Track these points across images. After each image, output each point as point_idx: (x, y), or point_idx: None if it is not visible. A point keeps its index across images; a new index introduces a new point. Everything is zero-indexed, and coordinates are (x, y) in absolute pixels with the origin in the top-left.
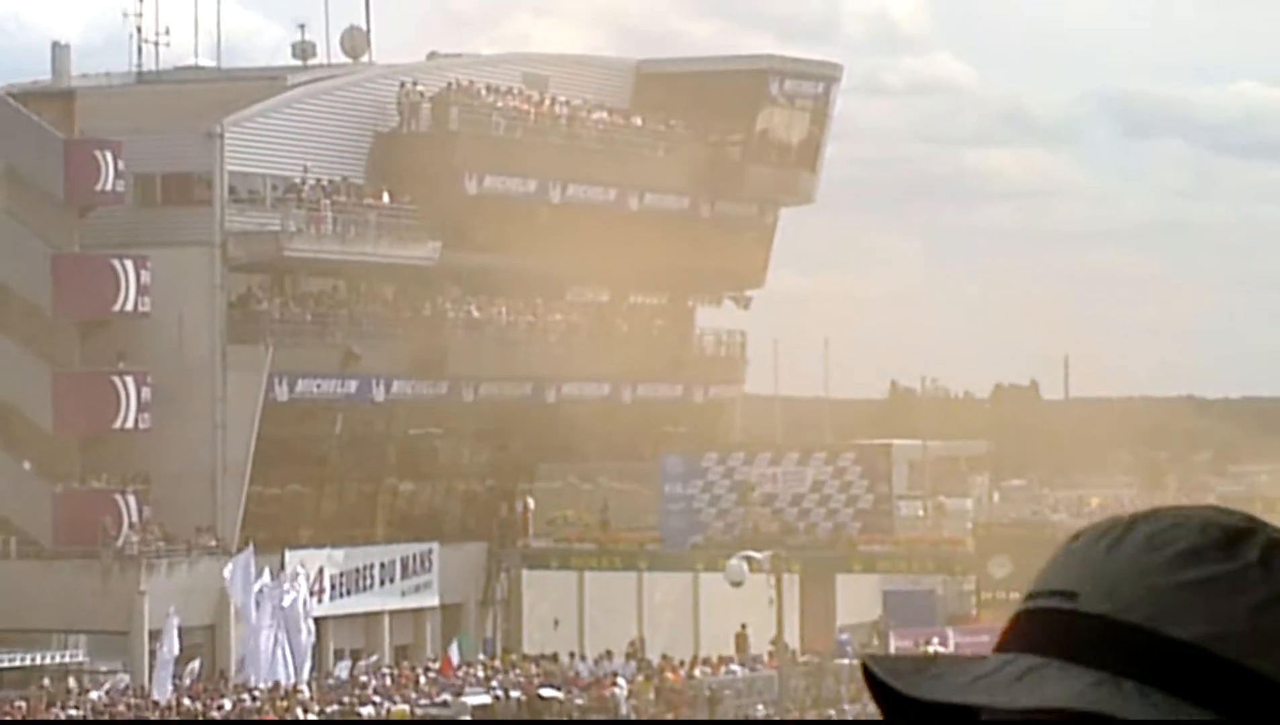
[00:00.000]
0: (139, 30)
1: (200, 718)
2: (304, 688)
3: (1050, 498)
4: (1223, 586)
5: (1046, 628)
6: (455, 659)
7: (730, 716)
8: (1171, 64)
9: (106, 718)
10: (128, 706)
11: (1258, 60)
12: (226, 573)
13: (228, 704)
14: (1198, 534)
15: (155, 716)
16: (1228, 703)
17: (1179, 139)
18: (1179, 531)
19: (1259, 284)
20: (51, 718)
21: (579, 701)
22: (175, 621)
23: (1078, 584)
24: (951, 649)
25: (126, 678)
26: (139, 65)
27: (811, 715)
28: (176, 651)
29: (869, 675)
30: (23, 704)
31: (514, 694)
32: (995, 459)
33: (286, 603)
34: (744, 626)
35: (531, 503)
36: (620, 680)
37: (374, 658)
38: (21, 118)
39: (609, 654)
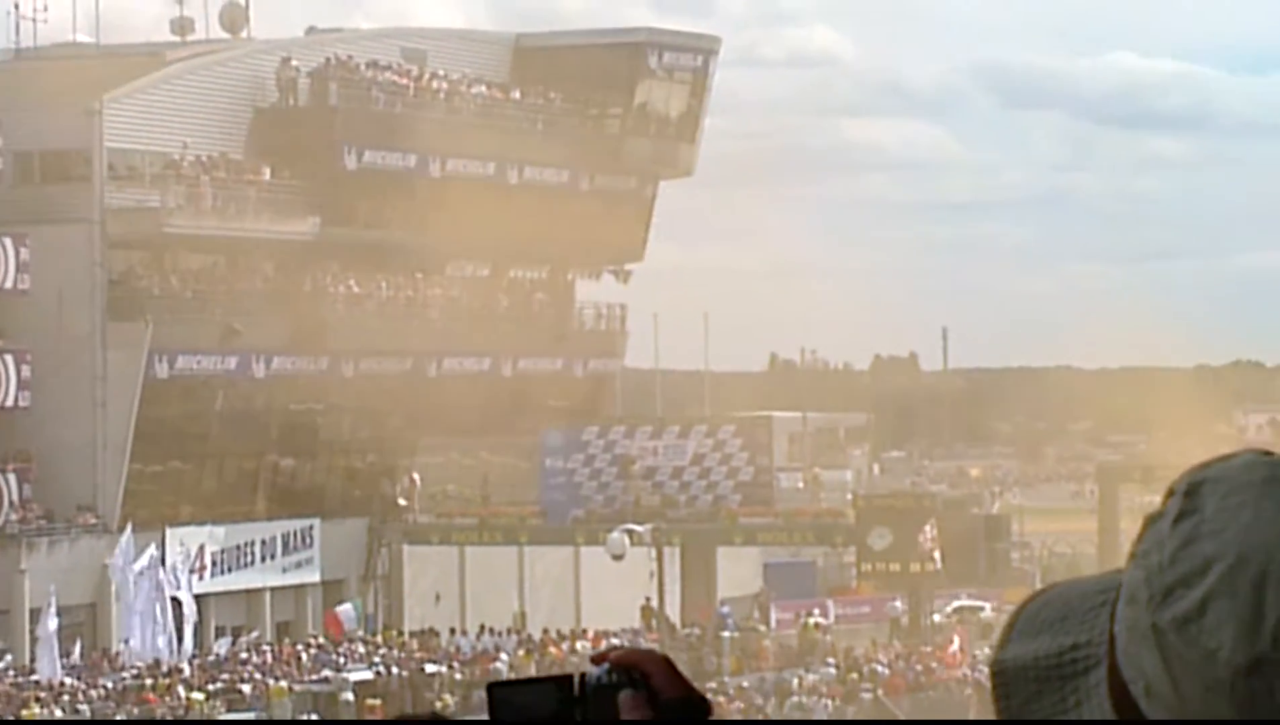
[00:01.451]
0: (16, 6)
1: (80, 695)
2: (185, 665)
3: (930, 469)
4: None
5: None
6: (346, 622)
7: None
8: (1049, 35)
9: None
10: (11, 685)
11: (1134, 32)
12: (114, 555)
13: (109, 683)
14: None
15: (39, 695)
16: None
17: (1057, 110)
18: None
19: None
20: None
21: (459, 677)
22: (53, 599)
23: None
24: (832, 620)
25: (9, 657)
26: (17, 42)
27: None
28: (53, 629)
29: None
30: None
31: (395, 670)
32: (875, 431)
33: (167, 580)
34: (648, 599)
35: (418, 477)
36: (502, 655)
37: (254, 634)
38: None
39: (491, 629)
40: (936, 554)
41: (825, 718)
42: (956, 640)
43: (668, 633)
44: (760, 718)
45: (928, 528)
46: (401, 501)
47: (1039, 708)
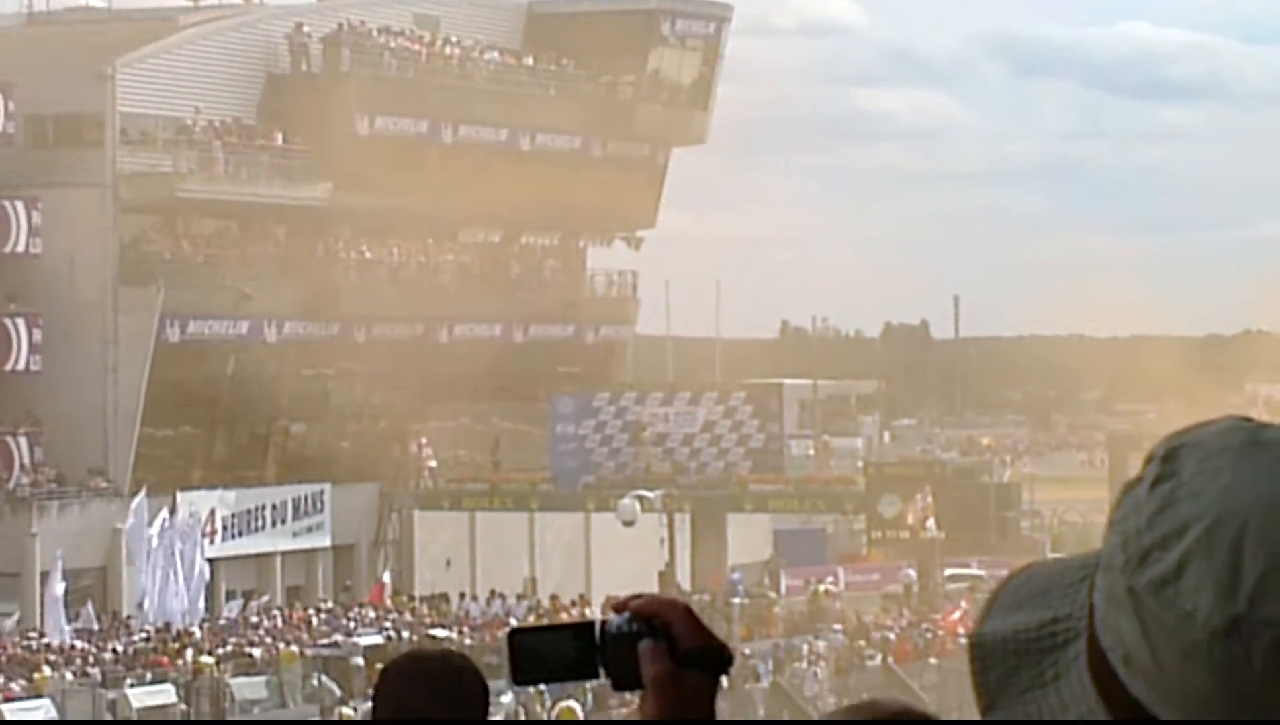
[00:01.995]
0: None
1: (91, 659)
2: (195, 629)
3: (940, 437)
4: None
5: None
6: (388, 585)
7: None
8: (1060, 5)
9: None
10: (23, 648)
11: (1145, 1)
12: (127, 519)
13: (119, 646)
14: None
15: (49, 658)
16: None
17: (1068, 79)
18: None
19: (1146, 224)
20: None
21: (469, 642)
22: (59, 563)
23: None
24: (842, 587)
25: (11, 620)
26: (29, 6)
27: None
28: (60, 592)
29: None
30: None
31: (405, 634)
32: (886, 398)
33: (179, 544)
34: (667, 565)
35: (426, 442)
36: (511, 620)
37: (265, 599)
38: None
39: (500, 595)
40: (931, 522)
41: (825, 686)
42: (963, 605)
43: (679, 599)
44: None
45: (920, 496)
46: (431, 463)
47: (1017, 681)
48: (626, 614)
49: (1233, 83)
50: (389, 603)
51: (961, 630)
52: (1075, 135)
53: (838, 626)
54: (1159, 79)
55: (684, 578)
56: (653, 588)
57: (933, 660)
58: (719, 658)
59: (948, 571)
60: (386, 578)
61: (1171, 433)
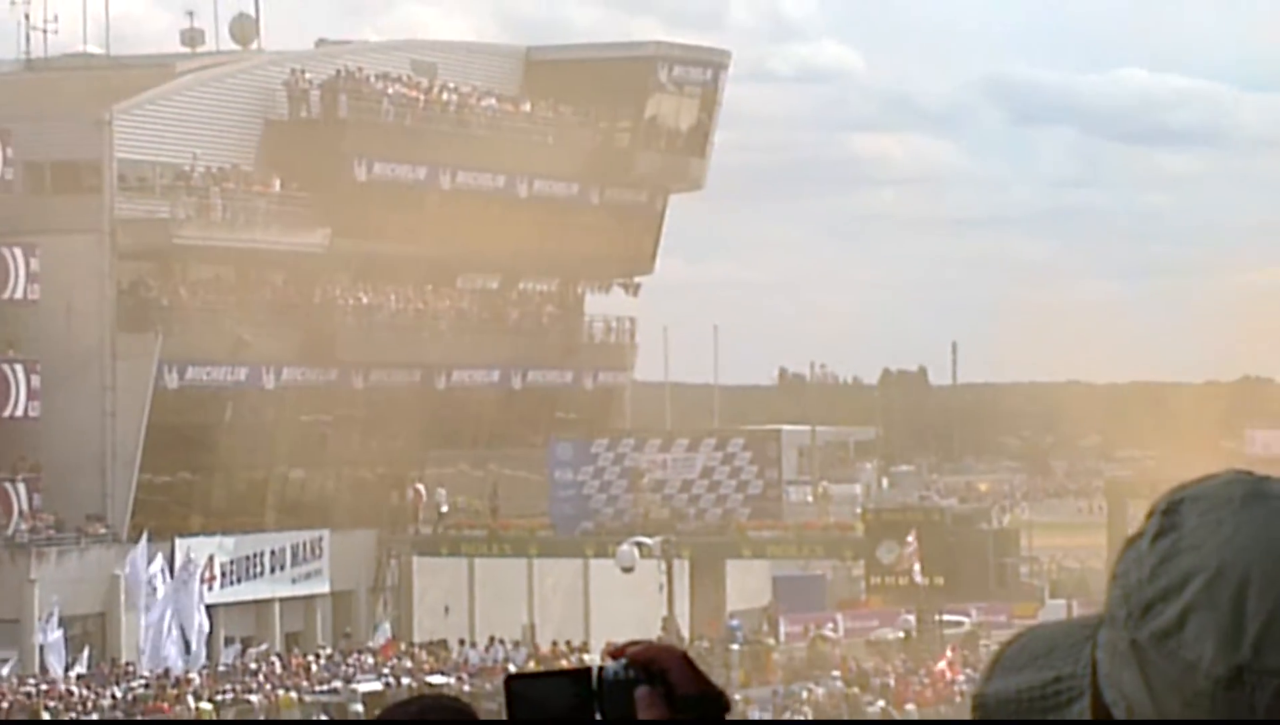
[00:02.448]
0: (27, 17)
1: (91, 705)
2: (194, 675)
3: (938, 483)
4: None
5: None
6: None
7: None
8: (1058, 51)
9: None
10: (25, 694)
11: (1143, 48)
12: (128, 565)
13: (118, 691)
14: None
15: (49, 703)
16: None
17: (1066, 126)
18: None
19: (1144, 269)
20: None
21: (468, 688)
22: (56, 610)
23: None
24: (841, 634)
25: (7, 666)
26: (27, 52)
27: None
28: (53, 638)
29: None
30: None
31: (404, 680)
32: (884, 444)
33: (178, 590)
34: (669, 612)
35: (423, 489)
36: (510, 667)
37: (264, 646)
38: None
39: (500, 641)
40: (916, 567)
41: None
42: (949, 653)
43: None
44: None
45: (909, 538)
46: (443, 508)
47: None
48: (623, 660)
49: (1231, 128)
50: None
51: (949, 675)
52: (1074, 182)
53: (836, 673)
54: (1157, 125)
55: (682, 624)
56: (653, 634)
57: (942, 709)
58: (715, 705)
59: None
60: (386, 630)
61: (1174, 487)
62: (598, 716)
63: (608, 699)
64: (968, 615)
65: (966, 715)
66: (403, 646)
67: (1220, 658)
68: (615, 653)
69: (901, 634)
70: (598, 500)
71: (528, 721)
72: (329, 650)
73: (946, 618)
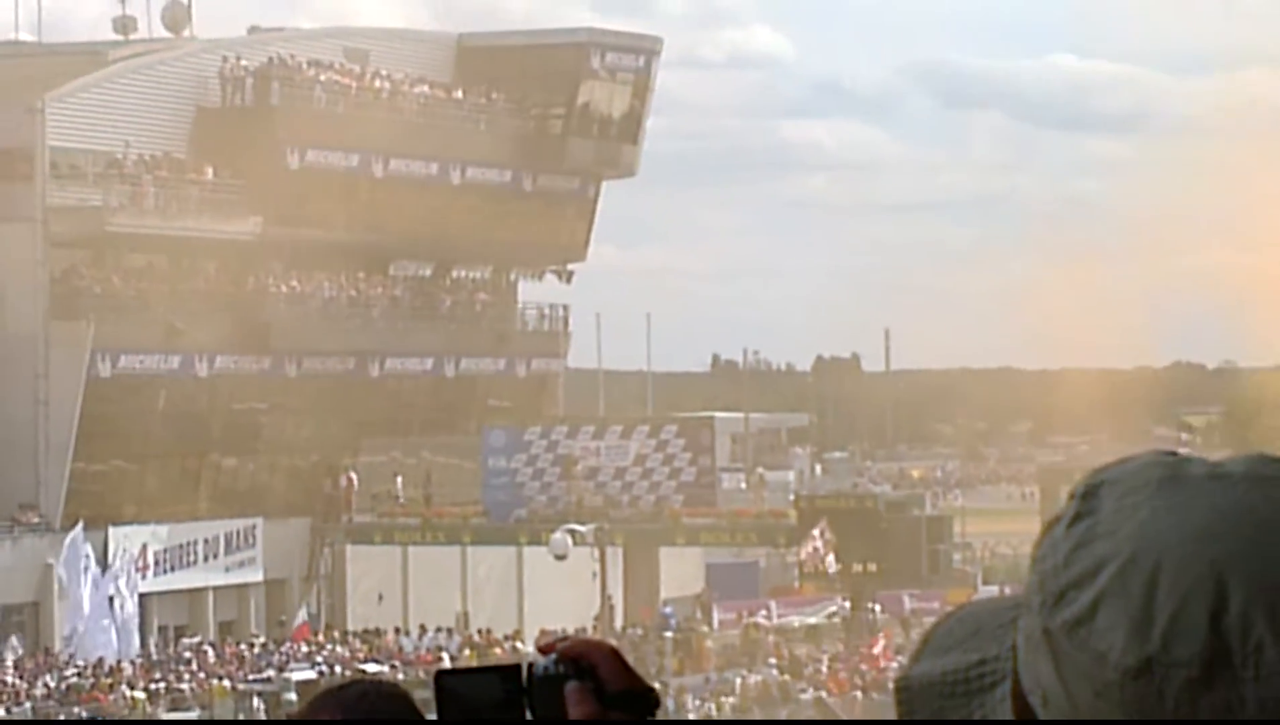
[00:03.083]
0: None
1: (23, 694)
2: (127, 665)
3: (872, 470)
4: None
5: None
6: (311, 626)
7: None
8: (989, 37)
9: None
10: None
11: (1074, 34)
12: (62, 554)
13: (51, 681)
14: None
15: None
16: None
17: (997, 111)
18: None
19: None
20: None
21: (402, 676)
22: None
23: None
24: (774, 621)
25: None
26: None
27: None
28: None
29: None
30: None
31: (338, 669)
32: (817, 431)
33: (111, 580)
34: (609, 597)
35: (355, 477)
36: (444, 654)
37: (196, 639)
38: None
39: (435, 628)
40: (830, 558)
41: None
42: (882, 640)
43: (610, 632)
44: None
45: (816, 531)
46: (400, 499)
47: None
48: (553, 656)
49: (1160, 115)
50: (321, 637)
51: (883, 663)
52: (1004, 167)
53: (773, 660)
54: (1087, 111)
55: (616, 611)
56: (587, 621)
57: (875, 695)
58: (645, 701)
59: (832, 606)
60: (303, 615)
61: (1094, 469)
62: (527, 712)
63: (537, 695)
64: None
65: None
66: (336, 633)
67: (1130, 648)
68: (545, 648)
69: (826, 620)
70: (531, 488)
71: (457, 717)
72: (262, 639)
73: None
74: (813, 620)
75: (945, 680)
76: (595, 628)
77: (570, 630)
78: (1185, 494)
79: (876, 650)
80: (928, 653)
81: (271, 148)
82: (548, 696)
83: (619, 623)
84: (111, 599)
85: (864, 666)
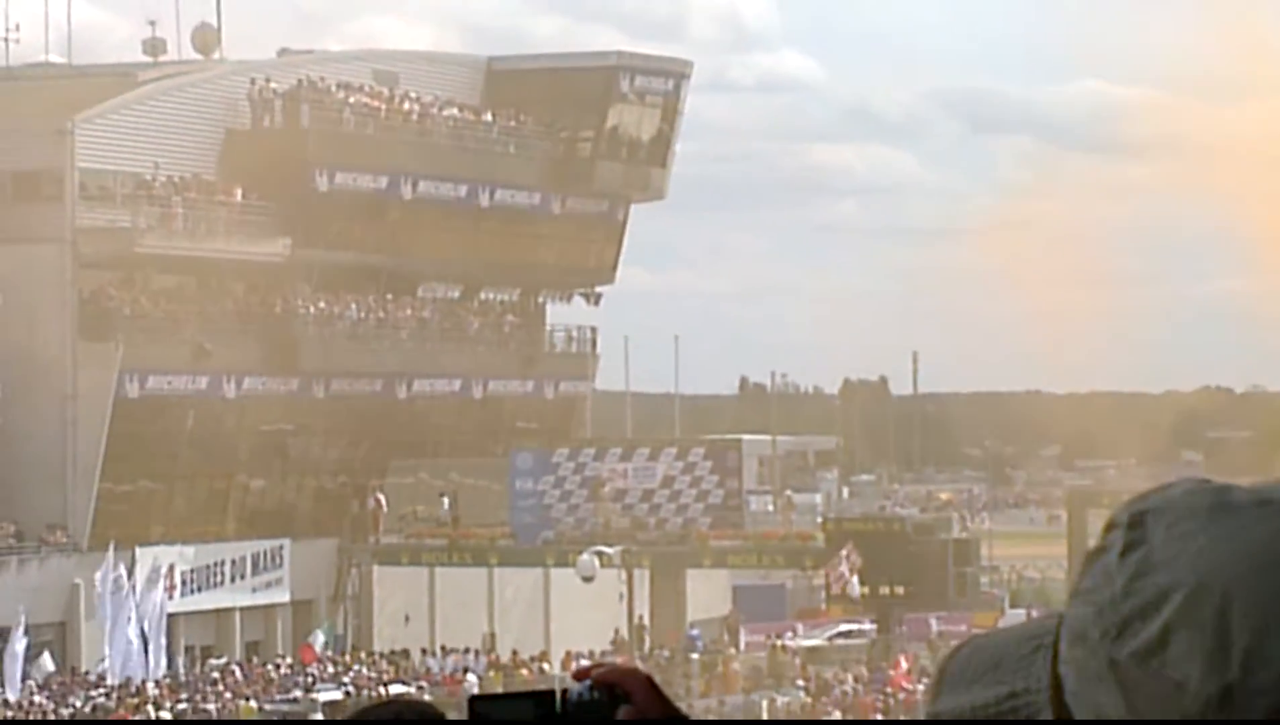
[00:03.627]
0: None
1: (51, 715)
2: (156, 685)
3: (899, 492)
4: None
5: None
6: (318, 647)
7: None
8: (1016, 62)
9: None
10: None
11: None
12: (97, 575)
13: (78, 701)
14: None
15: (8, 715)
16: None
17: (1024, 135)
18: None
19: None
20: None
21: (428, 698)
22: (23, 619)
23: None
24: (799, 644)
25: None
26: None
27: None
28: (21, 649)
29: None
30: None
31: (365, 690)
32: (845, 454)
33: (141, 600)
34: (641, 618)
35: (384, 498)
36: (470, 676)
37: (223, 659)
38: None
39: (462, 650)
40: (855, 580)
41: None
42: (904, 662)
43: (640, 655)
44: None
45: (843, 553)
46: (443, 510)
47: None
48: (588, 682)
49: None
50: (347, 657)
51: (906, 685)
52: (1032, 191)
53: (800, 683)
54: (1114, 136)
55: (643, 633)
56: (625, 639)
57: (902, 717)
58: None
59: (841, 627)
60: (314, 640)
61: (1131, 498)
62: None
63: (571, 721)
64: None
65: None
66: (363, 654)
67: (1209, 677)
68: (580, 674)
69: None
70: (558, 509)
71: None
72: (289, 659)
73: (850, 627)
74: (815, 642)
75: (976, 713)
76: (613, 648)
77: (597, 653)
78: (1239, 522)
79: (899, 672)
80: (948, 687)
81: (300, 169)
82: (582, 722)
83: (645, 645)
84: (139, 620)
85: (888, 689)
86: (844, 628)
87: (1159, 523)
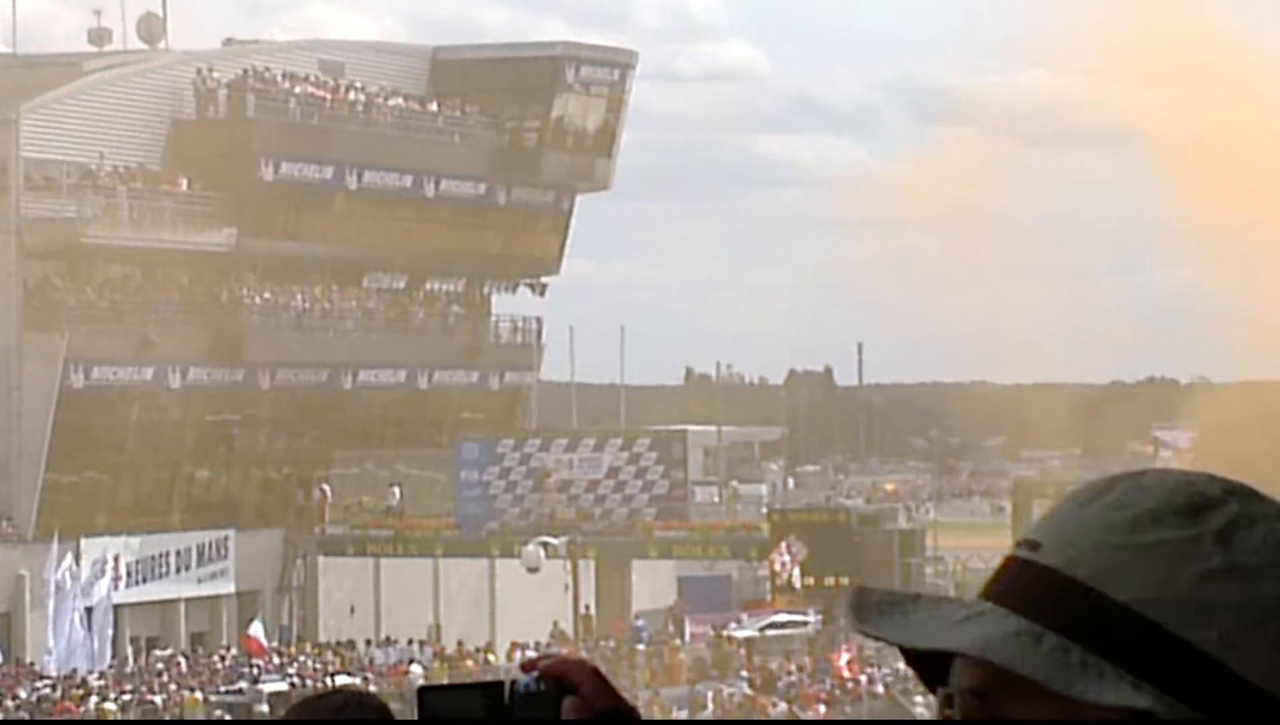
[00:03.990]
0: None
1: None
2: (100, 676)
3: (844, 483)
4: (1171, 551)
5: (1009, 575)
6: (263, 640)
7: None
8: (964, 52)
9: None
10: None
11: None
12: (45, 565)
13: (24, 693)
14: (1164, 497)
15: None
16: (1151, 667)
17: (972, 126)
18: (1147, 494)
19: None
20: None
21: (374, 688)
22: None
23: (1044, 535)
24: (742, 635)
25: None
26: None
27: None
28: None
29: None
30: None
31: (309, 681)
32: (790, 445)
33: (87, 591)
34: (587, 607)
35: (329, 489)
36: (415, 667)
37: (168, 650)
38: None
39: (407, 641)
40: (795, 572)
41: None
42: (845, 652)
43: (581, 644)
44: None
45: (783, 544)
46: (394, 500)
47: None
48: (535, 673)
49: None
50: (292, 649)
51: (848, 674)
52: (980, 182)
53: (744, 674)
54: (1063, 127)
55: (591, 623)
56: (564, 631)
57: (848, 709)
58: (627, 719)
59: (774, 618)
60: (253, 629)
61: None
62: None
63: (520, 712)
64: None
65: (871, 716)
66: (308, 645)
67: None
68: (527, 665)
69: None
70: (503, 500)
71: None
72: (234, 650)
73: (788, 617)
74: (748, 633)
75: None
76: (552, 640)
77: (542, 644)
78: None
79: (841, 663)
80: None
81: (246, 160)
82: (530, 713)
83: (591, 635)
84: (85, 611)
85: (833, 679)
86: (778, 618)
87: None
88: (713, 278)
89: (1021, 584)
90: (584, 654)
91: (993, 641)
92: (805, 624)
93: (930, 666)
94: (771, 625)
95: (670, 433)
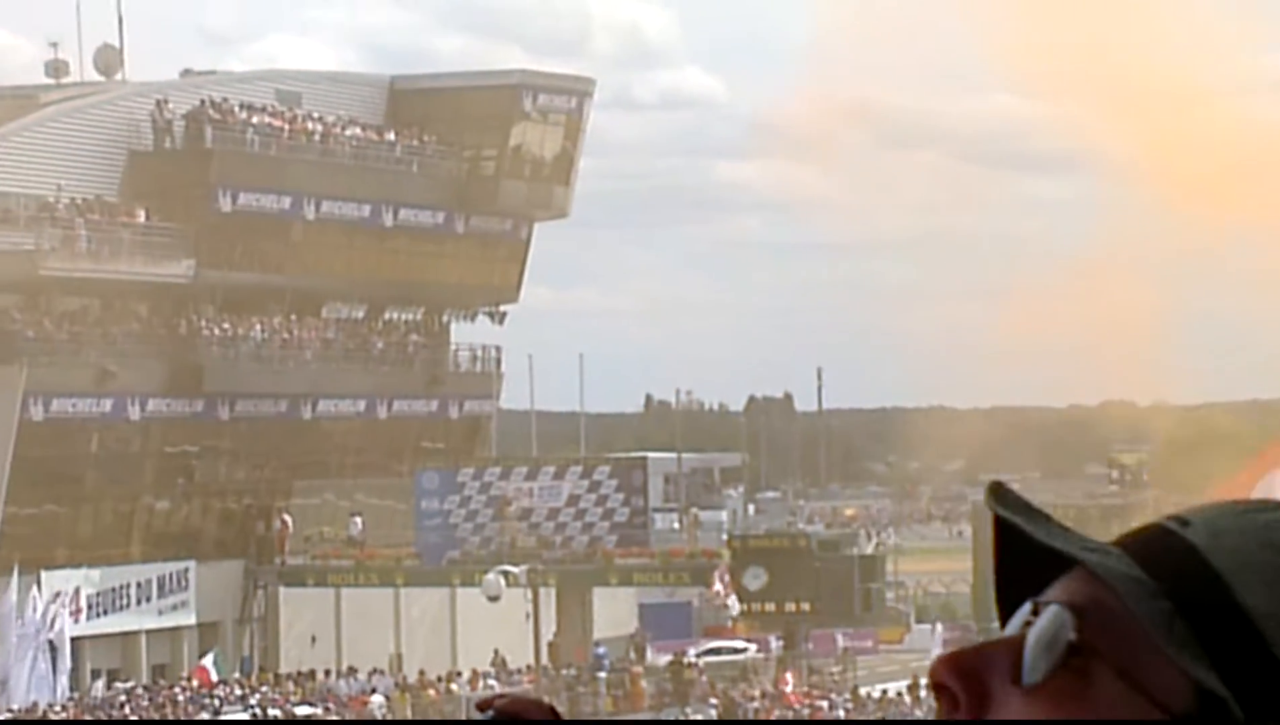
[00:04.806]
0: None
1: None
2: (61, 709)
3: (805, 509)
4: None
5: (1148, 535)
6: (212, 674)
7: None
8: (924, 76)
9: None
10: None
11: (1010, 73)
12: (6, 602)
13: None
14: None
15: None
16: (1237, 671)
17: (932, 150)
18: None
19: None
20: None
21: (335, 719)
22: None
23: (1197, 519)
24: (702, 662)
25: None
26: None
27: None
28: None
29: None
30: None
31: (272, 711)
32: (750, 471)
33: (47, 624)
34: (556, 635)
35: (289, 519)
36: (377, 697)
37: (129, 682)
38: None
39: (369, 670)
40: (731, 600)
41: None
42: (790, 679)
43: (543, 673)
44: None
45: (717, 574)
46: (355, 530)
47: None
48: (490, 712)
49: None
50: (253, 680)
51: (795, 704)
52: (938, 206)
53: (714, 701)
54: (1023, 151)
55: (546, 652)
56: (523, 659)
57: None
58: None
59: (706, 644)
60: (205, 660)
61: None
62: None
63: None
64: (750, 643)
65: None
66: (270, 675)
67: None
68: (483, 704)
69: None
70: (464, 529)
71: None
72: (195, 682)
73: (720, 644)
74: (700, 659)
75: None
76: (493, 670)
77: (504, 670)
78: None
79: (787, 689)
80: None
81: (203, 190)
82: None
83: (547, 662)
84: (46, 643)
85: (800, 704)
86: (712, 645)
87: None
88: (671, 304)
89: (1157, 548)
90: (545, 682)
91: (1114, 572)
92: (744, 651)
93: (1015, 588)
94: (709, 652)
95: (630, 460)
